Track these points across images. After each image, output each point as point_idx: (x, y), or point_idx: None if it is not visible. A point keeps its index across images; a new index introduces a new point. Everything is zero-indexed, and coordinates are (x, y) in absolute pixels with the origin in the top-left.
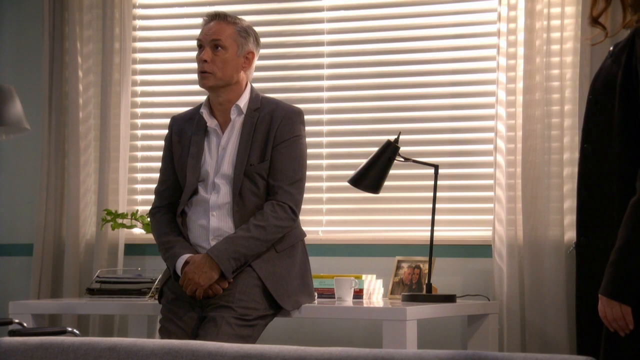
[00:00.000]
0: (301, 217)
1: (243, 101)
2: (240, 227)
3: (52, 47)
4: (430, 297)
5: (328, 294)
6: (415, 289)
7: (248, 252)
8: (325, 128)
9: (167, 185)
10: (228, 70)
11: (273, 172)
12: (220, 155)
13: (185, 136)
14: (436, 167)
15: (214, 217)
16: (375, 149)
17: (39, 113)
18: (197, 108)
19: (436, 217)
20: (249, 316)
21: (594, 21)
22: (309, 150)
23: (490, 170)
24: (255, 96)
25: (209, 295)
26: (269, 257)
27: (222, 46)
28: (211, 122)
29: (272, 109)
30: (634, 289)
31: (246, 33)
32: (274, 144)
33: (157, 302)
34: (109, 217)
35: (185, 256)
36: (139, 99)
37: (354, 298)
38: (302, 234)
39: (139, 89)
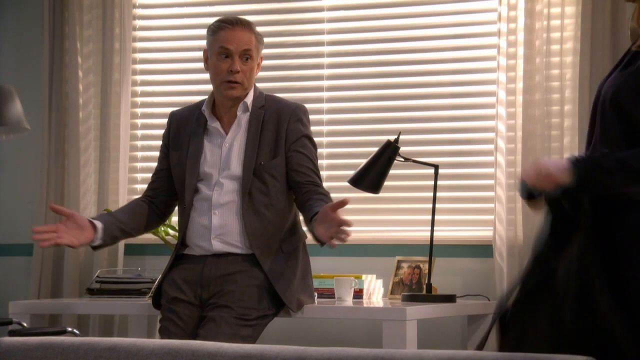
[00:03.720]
0: (301, 217)
1: (249, 98)
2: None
3: (52, 47)
4: (430, 297)
5: (328, 294)
6: (415, 289)
7: None
8: (325, 128)
9: (154, 178)
10: (252, 80)
11: (304, 170)
12: (225, 153)
13: (183, 134)
14: (436, 167)
15: (215, 216)
16: (375, 149)
17: (39, 113)
18: (198, 105)
19: (436, 217)
20: (249, 316)
21: None
22: None
23: (491, 170)
24: (259, 93)
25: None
26: (277, 259)
27: (251, 56)
28: (213, 122)
29: (277, 107)
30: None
31: (262, 39)
32: (288, 143)
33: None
34: None
35: (98, 223)
36: (139, 99)
37: (354, 298)
38: (304, 235)
39: (139, 89)
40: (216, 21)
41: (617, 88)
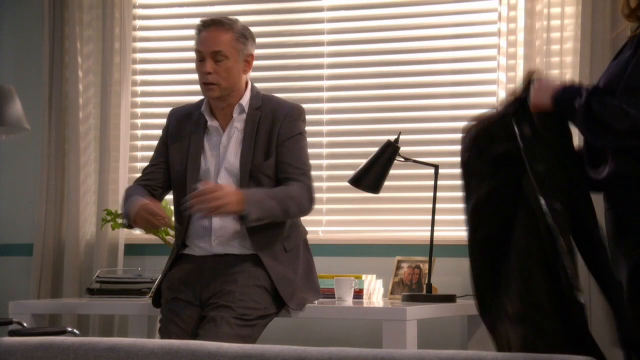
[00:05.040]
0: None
1: (245, 100)
2: (273, 190)
3: (52, 47)
4: (430, 297)
5: (328, 294)
6: (415, 289)
7: (272, 215)
8: (325, 128)
9: (152, 169)
10: (232, 79)
11: (283, 166)
12: (222, 154)
13: (183, 134)
14: (436, 167)
15: (216, 217)
16: (375, 149)
17: (39, 113)
18: (198, 105)
19: (436, 217)
20: (249, 316)
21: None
22: (309, 150)
23: None
24: (256, 94)
25: (156, 226)
26: (279, 258)
27: (224, 56)
28: (212, 122)
29: (273, 107)
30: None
31: (244, 37)
32: (278, 141)
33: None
34: (109, 217)
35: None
36: (139, 99)
37: (354, 298)
38: (305, 232)
39: (139, 89)
40: (198, 23)
41: (608, 80)
